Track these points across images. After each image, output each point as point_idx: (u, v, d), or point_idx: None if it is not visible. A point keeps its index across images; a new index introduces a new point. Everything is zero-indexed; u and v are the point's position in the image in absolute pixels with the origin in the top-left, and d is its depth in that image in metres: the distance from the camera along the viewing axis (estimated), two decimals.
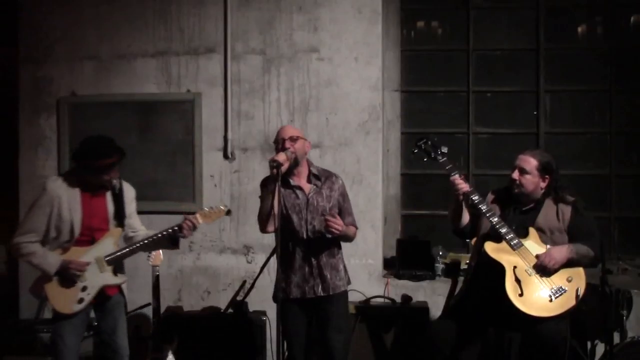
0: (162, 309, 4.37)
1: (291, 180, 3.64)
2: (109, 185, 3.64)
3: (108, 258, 3.59)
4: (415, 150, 3.76)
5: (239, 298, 4.64)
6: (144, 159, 5.00)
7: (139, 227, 3.82)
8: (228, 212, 3.78)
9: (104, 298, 3.65)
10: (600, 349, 4.01)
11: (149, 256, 4.21)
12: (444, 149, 3.67)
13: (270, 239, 4.82)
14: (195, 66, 5.03)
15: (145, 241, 3.66)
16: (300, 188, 3.66)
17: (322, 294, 3.64)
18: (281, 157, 3.46)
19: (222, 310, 4.67)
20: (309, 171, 3.71)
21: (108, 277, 3.61)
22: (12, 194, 5.16)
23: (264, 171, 4.96)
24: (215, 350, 4.45)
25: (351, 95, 4.91)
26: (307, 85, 4.95)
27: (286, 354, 3.69)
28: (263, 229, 3.62)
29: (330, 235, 3.58)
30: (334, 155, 4.92)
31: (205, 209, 3.74)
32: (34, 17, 5.13)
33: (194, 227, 3.65)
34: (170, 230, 3.64)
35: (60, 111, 5.10)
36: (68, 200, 3.54)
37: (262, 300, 4.65)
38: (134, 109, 5.03)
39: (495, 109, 5.19)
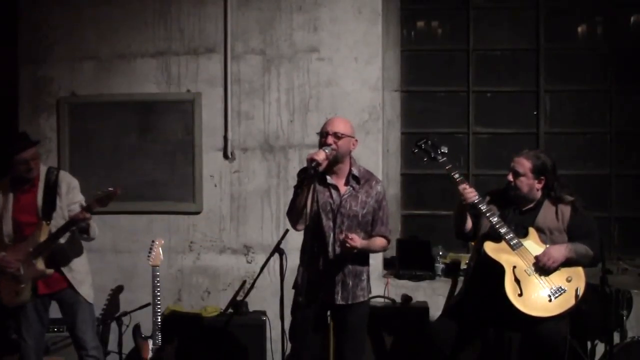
0: (162, 309, 4.36)
1: (328, 178, 3.45)
2: (30, 175, 3.77)
3: (32, 250, 3.71)
4: (416, 150, 3.76)
5: (239, 298, 4.64)
6: (144, 159, 5.01)
7: None
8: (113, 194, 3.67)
9: (53, 291, 3.82)
10: (600, 349, 4.01)
11: (148, 256, 4.21)
12: (444, 149, 3.68)
13: (270, 239, 4.85)
14: (195, 66, 5.03)
15: (55, 232, 3.71)
16: (336, 187, 3.47)
17: (341, 302, 3.47)
18: (320, 156, 3.25)
19: (222, 310, 4.67)
20: (350, 171, 3.50)
21: (35, 269, 3.72)
22: None
23: (264, 171, 4.99)
24: (215, 350, 4.45)
25: (351, 95, 4.91)
26: (307, 85, 4.95)
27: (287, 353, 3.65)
28: (294, 226, 3.44)
29: (346, 251, 3.39)
30: None
31: (99, 192, 3.69)
32: (34, 17, 5.13)
33: (84, 217, 3.65)
34: (66, 222, 3.70)
35: (60, 111, 5.10)
36: (1, 201, 3.81)
37: (262, 300, 4.67)
38: (134, 109, 5.03)
39: (495, 109, 5.19)
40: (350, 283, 3.48)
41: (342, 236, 3.37)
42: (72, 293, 3.85)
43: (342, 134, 3.39)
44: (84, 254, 3.97)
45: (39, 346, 3.96)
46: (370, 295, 4.41)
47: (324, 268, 3.46)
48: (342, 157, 3.43)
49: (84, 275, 3.92)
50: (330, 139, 3.36)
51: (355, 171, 3.51)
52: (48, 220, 3.75)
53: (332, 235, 3.45)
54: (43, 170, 3.90)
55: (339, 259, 3.46)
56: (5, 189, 3.86)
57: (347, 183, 3.49)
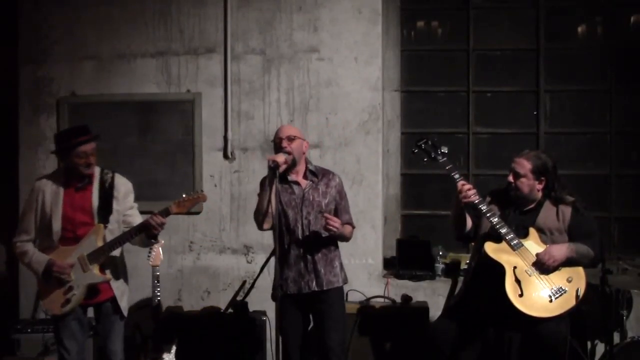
0: (162, 309, 4.36)
1: (288, 177, 3.68)
2: (87, 170, 3.57)
3: (90, 255, 3.52)
4: (416, 150, 3.76)
5: (239, 298, 4.64)
6: (144, 159, 5.01)
7: (138, 222, 3.70)
8: (199, 198, 3.63)
9: (97, 301, 3.61)
10: (600, 349, 4.02)
11: (148, 256, 4.21)
12: (444, 149, 3.67)
13: (270, 239, 4.83)
14: (195, 66, 5.04)
15: (119, 239, 3.55)
16: (297, 183, 3.69)
17: (316, 289, 3.65)
18: (280, 158, 3.50)
19: (222, 310, 4.67)
20: (306, 168, 3.73)
21: (92, 276, 3.53)
22: (12, 194, 5.16)
23: (264, 171, 4.93)
24: (215, 350, 4.45)
25: (351, 95, 4.91)
26: (307, 85, 4.95)
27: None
28: (259, 227, 3.65)
29: (327, 233, 3.58)
30: (334, 155, 4.92)
31: (184, 195, 3.61)
32: (34, 17, 5.13)
33: (161, 223, 3.53)
34: (138, 229, 3.55)
35: (60, 111, 5.10)
36: (51, 196, 3.56)
37: (262, 300, 4.64)
38: (134, 109, 5.03)
39: (495, 109, 5.19)
40: (322, 270, 3.66)
41: (322, 221, 3.54)
42: (113, 304, 3.65)
43: (294, 137, 3.65)
44: (126, 264, 3.81)
45: (81, 357, 3.71)
46: (370, 295, 4.44)
47: (295, 260, 3.66)
48: (298, 158, 3.67)
49: (125, 288, 3.75)
50: (284, 143, 3.62)
51: (311, 167, 3.75)
52: (105, 223, 3.57)
53: (300, 227, 3.64)
54: (97, 170, 3.68)
55: (310, 248, 3.64)
56: (57, 183, 3.60)
57: (305, 178, 3.72)
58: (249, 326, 4.50)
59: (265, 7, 4.97)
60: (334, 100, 4.92)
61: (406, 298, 4.59)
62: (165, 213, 3.53)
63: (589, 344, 4.04)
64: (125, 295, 3.74)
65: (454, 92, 5.21)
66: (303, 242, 3.65)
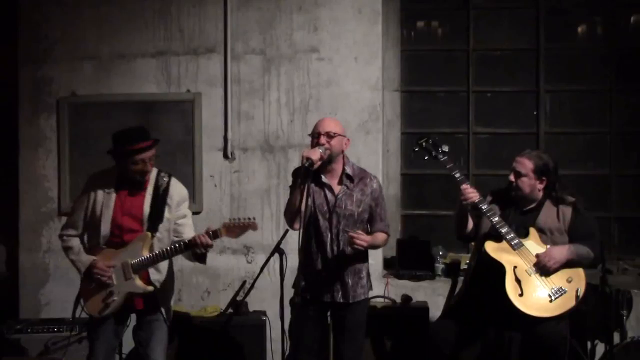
0: None
1: (323, 177, 3.45)
2: (142, 178, 3.41)
3: (134, 264, 3.37)
4: (417, 149, 3.75)
5: (239, 298, 4.64)
6: None
7: (188, 233, 3.52)
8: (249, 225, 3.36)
9: (133, 308, 3.47)
10: (600, 349, 4.01)
11: None
12: (445, 148, 3.66)
13: (270, 239, 4.85)
14: (195, 66, 5.03)
15: (164, 254, 3.39)
16: (330, 187, 3.47)
17: (341, 301, 3.47)
18: (315, 155, 3.26)
19: (222, 310, 4.67)
20: (343, 169, 3.50)
21: (134, 285, 3.38)
22: (12, 194, 5.16)
23: (264, 171, 4.99)
24: (215, 350, 4.44)
25: (351, 95, 4.91)
26: (307, 85, 4.95)
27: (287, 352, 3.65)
28: (290, 225, 3.46)
29: (354, 250, 3.38)
30: None
31: (234, 219, 3.39)
32: (34, 17, 5.13)
33: (206, 244, 3.36)
34: (184, 246, 3.37)
35: (60, 111, 5.09)
36: (103, 196, 3.42)
37: (262, 300, 4.66)
38: (134, 109, 5.02)
39: (495, 109, 5.19)
40: (350, 282, 3.48)
41: (347, 235, 3.36)
42: (154, 309, 3.50)
43: (334, 133, 3.40)
44: (173, 270, 3.66)
45: (108, 357, 3.55)
46: (371, 295, 4.41)
47: (322, 267, 3.48)
48: (335, 157, 3.44)
49: (169, 294, 3.62)
50: (322, 139, 3.38)
51: (348, 170, 3.50)
52: (154, 232, 3.40)
53: (329, 235, 3.46)
54: (153, 173, 3.49)
55: (337, 258, 3.46)
56: (109, 184, 3.44)
57: (340, 182, 3.49)
58: (249, 326, 4.50)
59: (265, 7, 4.97)
60: (334, 100, 4.92)
61: (406, 298, 4.59)
62: (214, 235, 3.36)
63: (589, 344, 4.04)
64: (168, 302, 3.62)
65: (454, 92, 5.21)
66: (331, 250, 3.46)
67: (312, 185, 3.40)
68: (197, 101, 5.00)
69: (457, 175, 3.58)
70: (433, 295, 4.69)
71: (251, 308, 4.63)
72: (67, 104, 5.09)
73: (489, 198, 3.74)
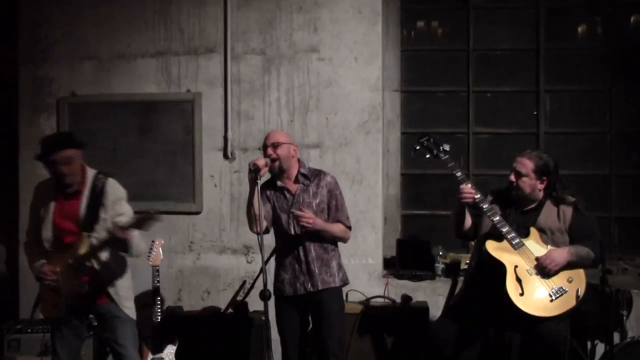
0: (162, 309, 4.36)
1: (278, 182, 3.72)
2: (70, 182, 3.48)
3: (71, 264, 3.46)
4: (417, 147, 3.75)
5: (239, 298, 4.64)
6: (144, 159, 5.01)
7: None
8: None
9: (94, 305, 3.57)
10: (600, 349, 4.01)
11: (148, 256, 4.22)
12: (447, 147, 3.67)
13: (270, 239, 4.83)
14: (195, 66, 5.04)
15: (95, 246, 3.46)
16: (287, 189, 3.71)
17: (311, 290, 3.67)
18: (260, 161, 3.52)
19: (222, 310, 4.67)
20: (298, 172, 3.74)
21: (74, 284, 3.47)
22: (12, 194, 5.16)
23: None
24: (215, 350, 4.44)
25: (351, 95, 4.91)
26: (307, 85, 4.95)
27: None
28: (250, 229, 3.66)
29: (303, 229, 3.59)
30: (334, 155, 4.92)
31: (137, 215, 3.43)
32: (34, 17, 5.13)
33: (112, 230, 3.37)
34: (108, 237, 3.41)
35: (60, 111, 5.10)
36: (44, 203, 3.56)
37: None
38: (134, 109, 5.03)
39: (495, 109, 5.19)
40: (317, 270, 3.67)
41: (294, 214, 3.58)
42: (112, 307, 3.58)
43: (278, 143, 3.66)
44: (128, 268, 3.69)
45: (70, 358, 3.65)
46: (370, 295, 4.42)
47: (290, 262, 3.71)
48: (287, 163, 3.69)
49: (127, 291, 3.66)
50: (269, 150, 3.66)
51: (303, 170, 3.75)
52: (89, 232, 3.47)
53: (292, 229, 3.68)
54: (91, 175, 3.58)
55: (304, 250, 3.67)
56: (50, 190, 3.56)
57: (297, 182, 3.73)
58: (249, 326, 4.50)
59: (265, 7, 4.97)
60: (334, 100, 4.92)
61: (406, 298, 4.59)
62: (120, 228, 3.36)
63: (589, 344, 4.04)
64: (128, 297, 3.65)
65: (454, 92, 5.21)
66: (297, 244, 3.67)
67: (272, 192, 3.72)
68: (197, 101, 5.00)
69: (459, 174, 3.58)
70: (433, 295, 4.69)
71: (251, 308, 4.63)
72: (67, 104, 5.09)
73: (489, 198, 3.74)
